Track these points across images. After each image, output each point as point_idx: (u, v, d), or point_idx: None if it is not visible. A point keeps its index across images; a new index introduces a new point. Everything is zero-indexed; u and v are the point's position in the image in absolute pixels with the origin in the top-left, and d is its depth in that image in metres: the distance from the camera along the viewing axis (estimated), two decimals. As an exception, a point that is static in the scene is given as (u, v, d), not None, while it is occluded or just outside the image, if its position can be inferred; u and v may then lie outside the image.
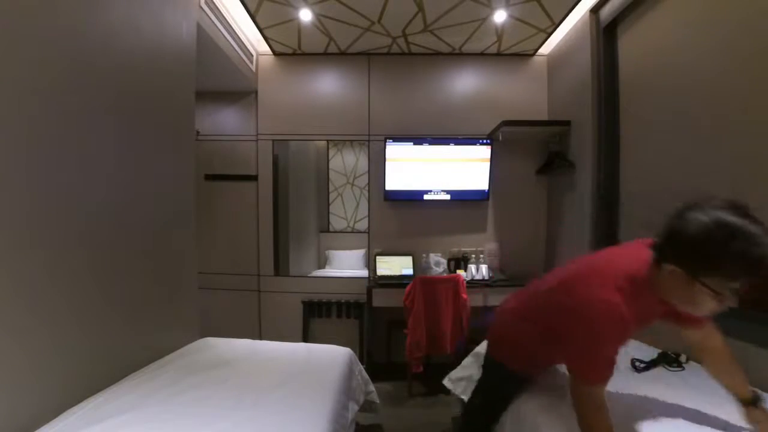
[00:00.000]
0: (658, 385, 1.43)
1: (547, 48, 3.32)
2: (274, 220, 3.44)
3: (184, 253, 2.06)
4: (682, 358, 1.65)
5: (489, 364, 1.51)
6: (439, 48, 3.30)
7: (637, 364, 1.63)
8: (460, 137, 3.35)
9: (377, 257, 3.33)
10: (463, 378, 2.06)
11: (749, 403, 1.11)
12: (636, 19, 2.31)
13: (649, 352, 1.72)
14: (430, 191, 3.36)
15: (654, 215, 2.22)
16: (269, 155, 3.43)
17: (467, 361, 2.17)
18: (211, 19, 2.44)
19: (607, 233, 2.57)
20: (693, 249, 0.90)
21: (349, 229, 4.44)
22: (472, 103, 3.43)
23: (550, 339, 1.19)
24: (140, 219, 1.69)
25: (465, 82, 3.45)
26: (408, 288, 2.79)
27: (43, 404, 1.18)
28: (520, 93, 3.43)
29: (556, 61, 3.28)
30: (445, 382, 2.20)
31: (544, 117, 3.39)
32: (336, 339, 2.47)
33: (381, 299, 3.00)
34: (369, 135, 3.45)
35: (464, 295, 2.76)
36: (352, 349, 2.01)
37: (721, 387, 1.19)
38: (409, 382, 2.83)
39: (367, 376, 2.01)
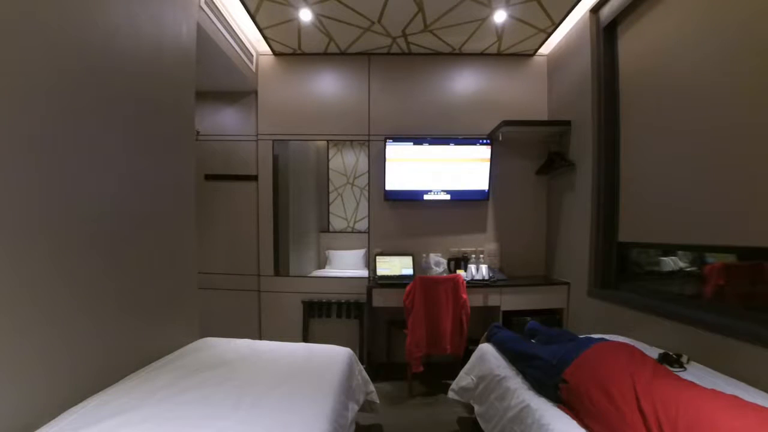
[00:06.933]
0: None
1: (547, 48, 3.32)
2: (274, 220, 3.44)
3: (184, 253, 2.05)
4: (684, 358, 1.65)
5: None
6: (439, 48, 3.29)
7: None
8: (460, 137, 3.35)
9: (377, 257, 3.33)
10: (468, 388, 2.07)
11: None
12: (636, 19, 2.31)
13: (650, 353, 1.72)
14: (430, 191, 3.36)
15: (654, 215, 2.23)
16: (269, 155, 3.43)
17: (468, 366, 2.17)
18: (211, 19, 2.44)
19: (607, 233, 2.57)
20: None
21: (349, 229, 4.44)
22: (472, 103, 3.43)
23: None
24: (140, 219, 1.69)
25: (465, 82, 3.45)
26: (408, 288, 2.79)
27: (43, 404, 1.18)
28: (520, 93, 3.43)
29: (556, 61, 3.28)
30: (450, 394, 2.20)
31: (544, 117, 3.39)
32: (336, 339, 2.47)
33: (381, 299, 3.00)
34: (369, 135, 3.45)
35: (464, 295, 2.76)
36: (352, 349, 2.00)
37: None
38: (409, 382, 2.83)
39: (367, 376, 2.01)
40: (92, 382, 1.38)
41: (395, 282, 3.11)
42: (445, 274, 3.10)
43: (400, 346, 3.17)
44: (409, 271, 3.31)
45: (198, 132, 3.21)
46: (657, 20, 2.14)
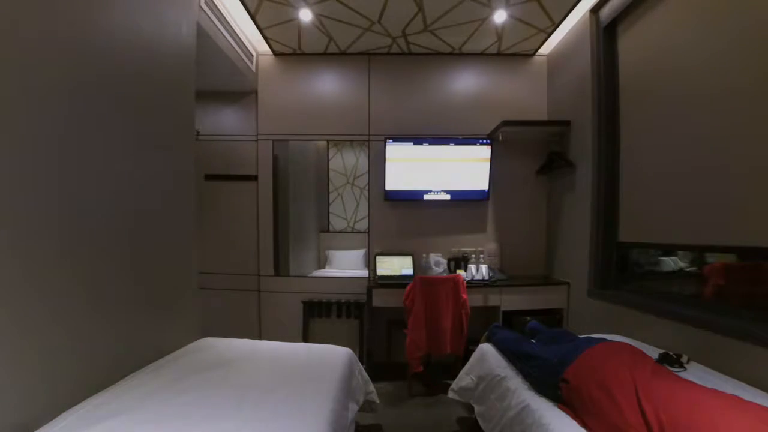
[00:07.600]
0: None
1: (547, 48, 3.32)
2: (274, 220, 3.44)
3: (184, 253, 2.05)
4: (684, 358, 1.65)
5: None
6: (439, 48, 3.29)
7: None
8: (460, 137, 3.35)
9: (377, 257, 3.33)
10: (468, 389, 2.06)
11: None
12: (636, 19, 2.31)
13: (650, 353, 1.72)
14: (430, 191, 3.36)
15: (654, 215, 2.23)
16: (269, 155, 3.42)
17: (468, 366, 2.17)
18: (211, 19, 2.44)
19: (607, 233, 2.57)
20: None
21: (349, 229, 4.44)
22: (472, 103, 3.43)
23: None
24: (140, 219, 1.69)
25: (465, 82, 3.45)
26: (408, 288, 2.79)
27: (43, 404, 1.18)
28: (520, 93, 3.43)
29: (556, 61, 3.28)
30: (450, 394, 2.19)
31: (544, 117, 3.39)
32: (336, 339, 2.47)
33: (381, 299, 2.99)
34: (369, 135, 3.45)
35: (464, 295, 2.76)
36: (352, 349, 2.00)
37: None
38: (409, 382, 2.83)
39: (367, 376, 2.01)
40: (92, 382, 1.37)
41: (395, 282, 3.11)
42: (445, 274, 3.10)
43: (400, 346, 3.16)
44: (409, 271, 3.31)
45: (198, 132, 3.21)
46: (657, 20, 2.14)
